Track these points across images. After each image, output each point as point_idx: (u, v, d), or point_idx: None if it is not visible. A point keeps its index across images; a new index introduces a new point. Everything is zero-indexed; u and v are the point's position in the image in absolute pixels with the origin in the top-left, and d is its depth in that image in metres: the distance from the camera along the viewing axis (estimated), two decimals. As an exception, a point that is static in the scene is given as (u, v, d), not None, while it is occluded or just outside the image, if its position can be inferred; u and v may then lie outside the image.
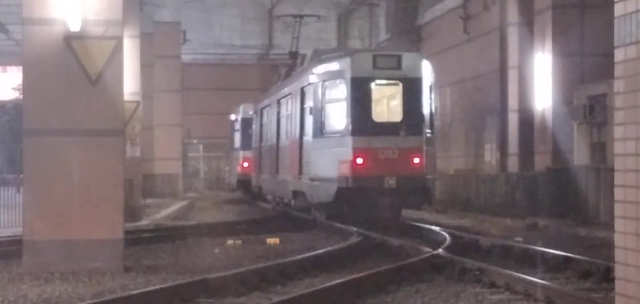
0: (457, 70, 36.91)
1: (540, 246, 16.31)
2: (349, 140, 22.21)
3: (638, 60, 7.22)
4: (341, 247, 17.23)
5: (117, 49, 14.30)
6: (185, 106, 47.37)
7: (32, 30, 14.18)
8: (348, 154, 22.08)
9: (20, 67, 15.20)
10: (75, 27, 14.08)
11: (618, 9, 7.50)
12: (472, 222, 25.71)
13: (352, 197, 22.22)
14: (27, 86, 14.42)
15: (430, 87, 23.17)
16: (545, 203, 25.01)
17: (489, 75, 33.46)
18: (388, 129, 22.39)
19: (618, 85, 7.53)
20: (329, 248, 16.92)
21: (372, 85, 22.62)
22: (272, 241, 19.61)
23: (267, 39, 50.33)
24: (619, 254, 7.56)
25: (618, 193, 7.56)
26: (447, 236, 18.70)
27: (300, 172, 24.72)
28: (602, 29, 25.37)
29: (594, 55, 27.28)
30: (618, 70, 7.52)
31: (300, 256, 15.44)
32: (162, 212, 28.75)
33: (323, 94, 23.17)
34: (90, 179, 14.15)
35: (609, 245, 8.91)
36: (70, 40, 14.13)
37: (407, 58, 23.16)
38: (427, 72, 22.98)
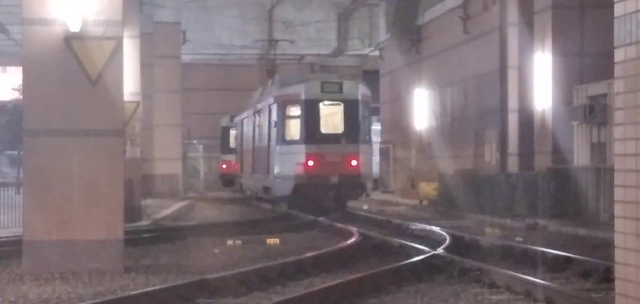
0: (457, 70, 36.87)
1: (540, 246, 16.31)
2: (303, 147, 28.71)
3: (638, 60, 7.22)
4: (341, 247, 17.25)
5: (117, 49, 14.30)
6: (185, 106, 47.26)
7: (32, 31, 14.18)
8: (302, 158, 28.56)
9: (20, 67, 15.18)
10: (75, 27, 14.08)
11: (618, 9, 7.50)
12: (472, 222, 25.70)
13: (305, 191, 28.62)
14: (27, 86, 14.41)
15: (367, 106, 29.75)
16: (545, 203, 24.97)
17: (489, 75, 33.41)
18: (332, 138, 28.90)
19: (618, 85, 7.53)
20: (329, 248, 16.93)
21: (320, 105, 29.16)
22: (272, 241, 19.63)
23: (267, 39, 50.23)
24: (619, 254, 7.56)
25: (618, 193, 7.56)
26: (447, 236, 18.74)
27: (268, 171, 31.01)
28: (602, 29, 25.36)
29: (594, 55, 27.25)
30: (618, 70, 7.52)
31: (300, 256, 15.44)
32: (162, 213, 28.76)
33: (284, 111, 29.62)
34: (90, 179, 14.15)
35: (609, 245, 8.89)
36: (70, 41, 14.13)
37: (347, 85, 29.70)
38: (363, 95, 29.56)
